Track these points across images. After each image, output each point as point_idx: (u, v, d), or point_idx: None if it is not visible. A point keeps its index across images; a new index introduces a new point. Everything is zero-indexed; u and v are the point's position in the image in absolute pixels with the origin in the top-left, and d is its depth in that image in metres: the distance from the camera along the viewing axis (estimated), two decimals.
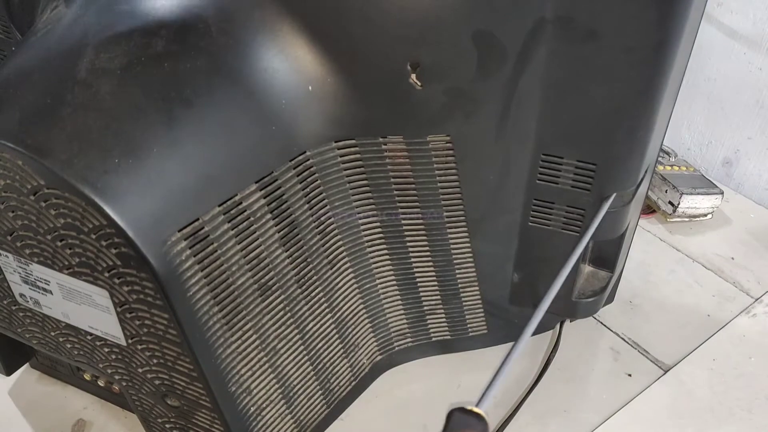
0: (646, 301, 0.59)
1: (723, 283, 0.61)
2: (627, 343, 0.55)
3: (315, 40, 0.33)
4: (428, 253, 0.44)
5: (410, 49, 0.33)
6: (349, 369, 0.47)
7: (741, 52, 0.71)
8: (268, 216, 0.35)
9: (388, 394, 0.51)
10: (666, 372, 0.53)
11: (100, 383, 0.47)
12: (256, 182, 0.33)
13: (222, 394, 0.36)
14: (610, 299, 0.56)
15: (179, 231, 0.30)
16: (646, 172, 0.40)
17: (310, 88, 0.34)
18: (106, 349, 0.38)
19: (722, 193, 0.67)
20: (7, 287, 0.38)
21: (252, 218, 0.34)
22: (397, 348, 0.50)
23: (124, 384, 0.40)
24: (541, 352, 0.54)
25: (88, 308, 0.35)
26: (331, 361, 0.44)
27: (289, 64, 0.33)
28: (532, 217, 0.41)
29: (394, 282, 0.46)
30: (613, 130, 0.36)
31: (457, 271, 0.46)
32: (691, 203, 0.66)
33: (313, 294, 0.40)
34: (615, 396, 0.51)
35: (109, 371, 0.39)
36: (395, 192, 0.39)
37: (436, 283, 0.46)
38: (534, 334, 0.55)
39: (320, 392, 0.44)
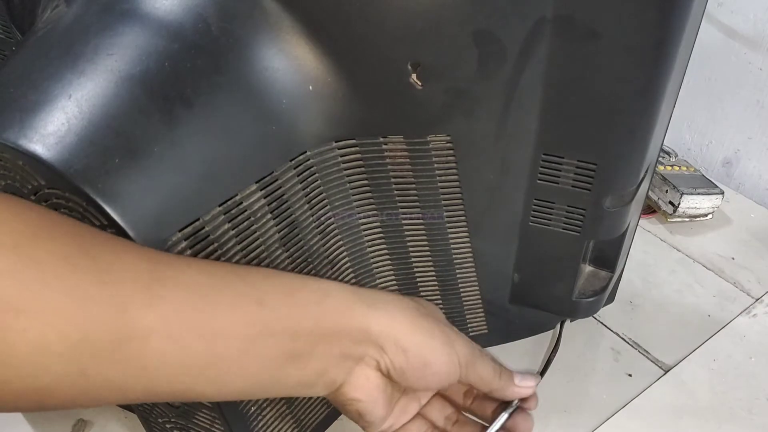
0: (647, 301, 0.59)
1: (723, 283, 0.61)
2: (627, 343, 0.55)
3: (315, 40, 0.33)
4: (428, 253, 0.44)
5: (410, 49, 0.33)
6: None
7: (741, 52, 0.71)
8: (269, 216, 0.35)
9: None
10: (666, 372, 0.53)
11: None
12: (257, 182, 0.33)
13: None
14: (611, 299, 0.56)
15: (180, 231, 0.30)
16: (646, 172, 0.40)
17: (310, 87, 0.34)
18: None
19: (723, 193, 0.67)
20: None
21: (252, 218, 0.34)
22: None
23: None
24: (541, 352, 0.54)
25: None
26: None
27: (289, 63, 0.33)
28: (532, 217, 0.41)
29: (394, 282, 0.46)
30: (613, 130, 0.36)
31: (457, 271, 0.46)
32: (692, 203, 0.66)
33: None
34: (615, 396, 0.51)
35: None
36: (395, 192, 0.39)
37: (436, 283, 0.46)
38: (534, 334, 0.56)
39: None
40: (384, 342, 0.30)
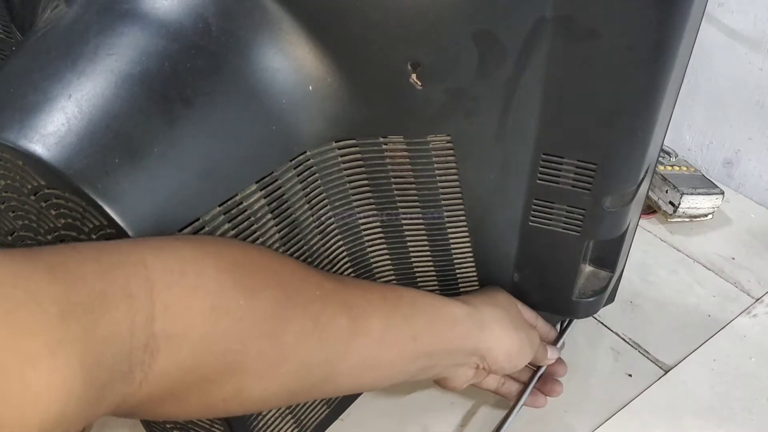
0: (647, 302, 0.59)
1: (724, 284, 0.61)
2: (627, 343, 0.55)
3: (315, 40, 0.33)
4: (428, 253, 0.44)
5: (411, 49, 0.33)
6: None
7: (741, 52, 0.71)
8: (269, 216, 0.35)
9: (388, 394, 0.51)
10: (666, 372, 0.53)
11: None
12: (257, 182, 0.33)
13: None
14: (611, 299, 0.56)
15: (180, 231, 0.30)
16: (646, 172, 0.40)
17: (310, 87, 0.34)
18: None
19: (723, 193, 0.67)
20: None
21: (252, 218, 0.34)
22: None
23: None
24: None
25: None
26: None
27: (289, 63, 0.33)
28: (532, 216, 0.41)
29: (395, 282, 0.46)
30: (613, 130, 0.36)
31: (457, 271, 0.46)
32: (692, 203, 0.66)
33: None
34: (615, 396, 0.51)
35: None
36: (395, 192, 0.39)
37: (436, 283, 0.46)
38: None
39: None
40: (486, 354, 0.41)
